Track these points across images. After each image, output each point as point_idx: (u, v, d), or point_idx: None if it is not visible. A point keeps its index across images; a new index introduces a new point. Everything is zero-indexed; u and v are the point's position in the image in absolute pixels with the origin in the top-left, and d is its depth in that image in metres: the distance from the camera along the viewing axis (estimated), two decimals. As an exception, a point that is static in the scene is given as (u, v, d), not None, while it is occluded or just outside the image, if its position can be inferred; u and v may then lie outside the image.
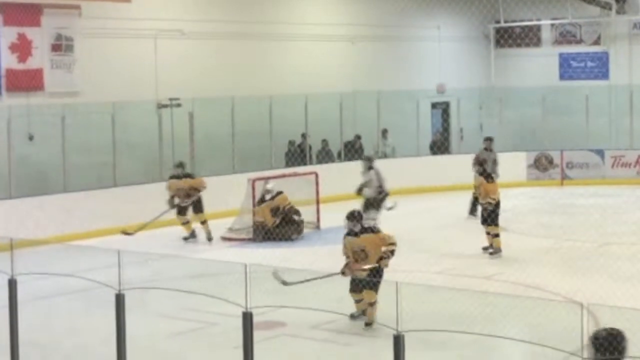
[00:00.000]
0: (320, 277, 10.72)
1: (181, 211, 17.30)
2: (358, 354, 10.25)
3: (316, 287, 11.91)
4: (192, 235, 17.30)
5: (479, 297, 10.98)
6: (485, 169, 15.73)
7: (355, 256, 11.17)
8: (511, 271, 13.95)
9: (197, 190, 17.25)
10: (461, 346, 9.86)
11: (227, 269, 12.19)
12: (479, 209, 15.98)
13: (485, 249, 15.18)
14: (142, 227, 16.92)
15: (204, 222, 17.21)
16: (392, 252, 11.07)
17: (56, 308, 12.43)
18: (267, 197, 17.47)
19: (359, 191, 17.02)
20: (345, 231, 11.43)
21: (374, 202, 16.81)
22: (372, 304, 10.73)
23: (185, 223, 17.33)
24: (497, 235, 15.07)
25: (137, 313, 11.19)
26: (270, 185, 17.68)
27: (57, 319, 11.97)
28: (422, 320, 10.33)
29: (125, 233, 16.93)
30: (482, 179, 15.42)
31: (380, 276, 10.89)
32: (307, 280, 10.83)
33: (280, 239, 16.99)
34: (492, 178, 15.52)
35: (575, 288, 12.48)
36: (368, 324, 10.77)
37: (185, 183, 17.28)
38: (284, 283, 10.96)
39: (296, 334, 10.73)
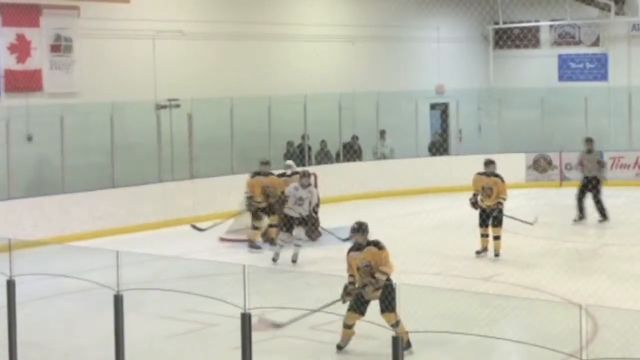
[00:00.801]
0: (317, 310, 9.96)
1: (257, 213, 16.25)
2: (356, 355, 10.24)
3: (315, 289, 11.91)
4: (255, 245, 16.26)
5: (477, 298, 10.99)
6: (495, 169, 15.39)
7: (360, 273, 10.02)
8: (510, 272, 13.95)
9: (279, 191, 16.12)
10: (460, 347, 9.85)
11: (226, 270, 12.20)
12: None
13: (479, 252, 15.04)
14: (214, 225, 16.75)
15: (272, 226, 16.25)
16: (381, 280, 9.84)
17: (54, 309, 12.42)
18: (288, 172, 17.29)
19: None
20: (348, 245, 10.52)
21: None
22: (396, 324, 9.54)
23: (257, 228, 16.28)
24: (499, 238, 14.98)
25: (136, 314, 11.20)
26: (291, 162, 17.70)
27: (55, 320, 11.96)
28: (420, 322, 10.33)
29: (196, 228, 16.53)
30: (497, 179, 15.18)
31: (393, 296, 9.71)
32: (303, 317, 10.17)
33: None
34: (502, 179, 15.27)
35: (574, 289, 12.48)
36: (406, 347, 9.34)
37: (271, 181, 16.29)
38: (277, 326, 10.57)
39: (294, 335, 10.72)
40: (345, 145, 23.48)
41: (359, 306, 9.87)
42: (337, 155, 23.48)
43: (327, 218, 17.77)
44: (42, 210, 17.17)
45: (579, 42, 27.54)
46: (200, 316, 11.50)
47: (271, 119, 21.64)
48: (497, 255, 14.91)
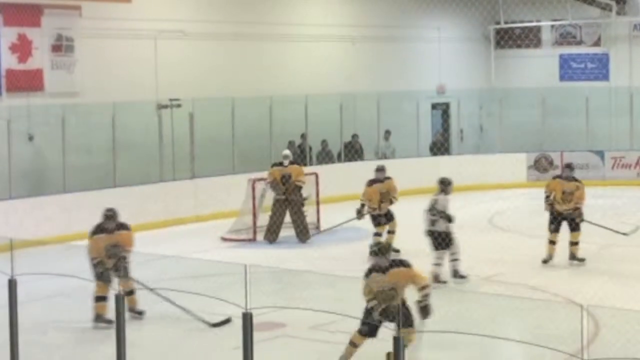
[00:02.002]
0: (336, 226, 9.56)
1: (377, 219, 15.79)
2: (358, 355, 10.24)
3: (315, 288, 11.93)
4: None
5: (479, 298, 10.99)
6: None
7: (382, 297, 9.23)
8: (511, 272, 13.94)
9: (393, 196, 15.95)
10: (461, 347, 9.85)
11: (227, 269, 12.20)
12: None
13: (546, 261, 14.55)
14: (334, 227, 16.77)
15: (390, 232, 15.76)
16: (427, 296, 9.20)
17: (56, 308, 12.42)
18: (285, 162, 17.37)
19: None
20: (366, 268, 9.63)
21: None
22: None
23: (378, 234, 15.72)
24: (578, 243, 14.59)
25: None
26: (288, 152, 17.78)
27: (56, 319, 11.96)
28: (423, 322, 10.33)
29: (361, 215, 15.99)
30: (579, 183, 14.80)
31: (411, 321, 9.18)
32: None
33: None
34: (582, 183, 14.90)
35: (575, 289, 12.49)
36: None
37: (387, 187, 15.97)
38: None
39: (296, 335, 10.73)
40: (346, 145, 23.48)
41: (371, 331, 9.30)
42: (339, 155, 23.48)
43: (329, 218, 17.81)
44: (43, 210, 17.17)
45: (580, 42, 27.53)
46: (202, 316, 11.50)
47: (272, 119, 21.66)
48: (573, 259, 14.51)
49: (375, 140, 24.18)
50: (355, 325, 9.93)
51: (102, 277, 11.28)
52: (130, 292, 11.38)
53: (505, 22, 27.55)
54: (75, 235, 16.69)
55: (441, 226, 13.43)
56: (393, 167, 23.05)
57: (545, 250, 14.60)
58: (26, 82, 18.46)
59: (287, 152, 17.79)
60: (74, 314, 12.11)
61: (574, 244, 14.59)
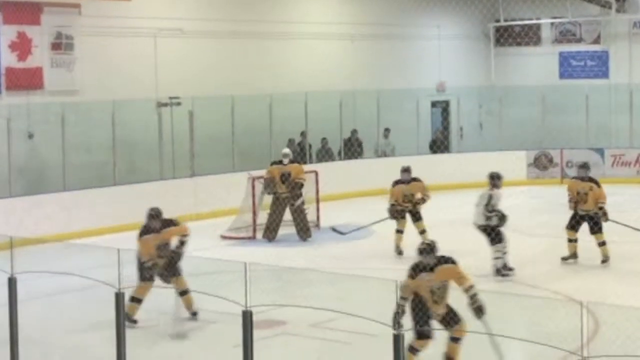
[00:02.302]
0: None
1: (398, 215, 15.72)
2: (358, 353, 10.24)
3: (316, 286, 11.93)
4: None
5: (479, 296, 10.96)
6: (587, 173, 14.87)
7: (433, 297, 9.13)
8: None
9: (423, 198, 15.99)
10: (461, 345, 9.84)
11: (227, 267, 12.20)
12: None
13: (565, 258, 14.50)
14: (357, 229, 16.68)
15: (422, 232, 15.55)
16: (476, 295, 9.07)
17: (56, 306, 12.43)
18: (285, 160, 17.38)
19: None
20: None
21: None
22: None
23: (400, 231, 15.70)
24: (604, 243, 14.49)
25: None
26: (288, 150, 17.72)
27: (56, 318, 11.97)
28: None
29: (336, 231, 16.60)
30: (593, 184, 14.65)
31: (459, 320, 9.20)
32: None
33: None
34: (599, 183, 14.75)
35: (575, 287, 12.49)
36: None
37: (411, 188, 15.96)
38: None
39: (296, 333, 10.73)
40: (346, 142, 23.48)
41: (428, 333, 9.06)
42: (339, 153, 23.48)
43: (329, 215, 17.81)
44: (43, 208, 17.17)
45: (580, 40, 27.53)
46: (201, 314, 11.51)
47: (272, 116, 21.65)
48: (604, 261, 14.39)
49: (375, 138, 24.18)
50: (355, 322, 9.93)
51: (148, 279, 11.19)
52: (185, 292, 11.28)
53: (505, 20, 27.55)
54: (74, 234, 16.72)
55: (494, 221, 13.64)
56: (393, 165, 23.07)
57: (566, 248, 14.63)
58: (26, 80, 18.45)
59: (286, 150, 17.79)
60: (74, 312, 12.12)
61: (600, 244, 14.46)
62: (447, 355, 9.23)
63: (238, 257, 14.51)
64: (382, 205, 17.11)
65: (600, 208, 14.48)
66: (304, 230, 17.17)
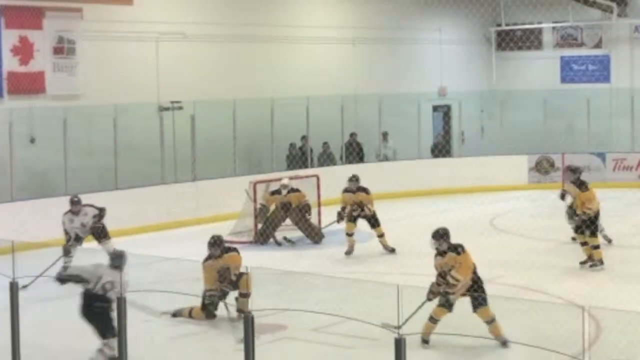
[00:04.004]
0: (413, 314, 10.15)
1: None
2: (359, 357, 10.25)
3: (317, 290, 11.92)
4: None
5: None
6: (579, 177, 14.93)
7: (446, 278, 10.31)
8: (512, 274, 13.94)
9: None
10: (462, 349, 9.86)
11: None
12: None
13: (583, 263, 14.37)
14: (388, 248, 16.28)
15: (381, 236, 16.13)
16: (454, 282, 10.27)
17: (57, 310, 12.42)
18: (284, 191, 17.39)
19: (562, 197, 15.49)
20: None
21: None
22: (491, 321, 10.12)
23: (349, 234, 16.16)
24: (597, 247, 14.36)
25: (139, 315, 11.22)
26: (287, 181, 17.66)
27: (58, 322, 11.96)
28: (423, 324, 10.33)
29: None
30: (575, 187, 14.76)
31: (483, 290, 10.26)
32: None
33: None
34: (586, 187, 14.74)
35: (576, 291, 12.49)
36: (503, 343, 10.02)
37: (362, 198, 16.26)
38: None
39: (298, 337, 10.73)
40: (347, 147, 23.48)
41: (446, 303, 10.25)
42: (340, 157, 23.48)
43: (331, 220, 17.78)
44: (45, 212, 17.14)
45: (581, 44, 27.54)
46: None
47: (273, 121, 21.66)
48: (584, 264, 14.35)
49: (377, 143, 24.18)
50: (357, 327, 9.94)
51: (208, 312, 11.52)
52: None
53: (507, 24, 27.56)
54: (76, 238, 16.70)
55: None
56: (394, 169, 23.20)
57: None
58: (28, 84, 18.47)
59: (285, 181, 17.60)
60: (75, 317, 12.11)
61: (593, 247, 14.35)
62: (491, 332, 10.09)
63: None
64: (383, 208, 17.18)
65: (584, 212, 14.43)
66: (312, 234, 17.22)
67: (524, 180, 24.05)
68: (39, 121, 18.45)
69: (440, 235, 10.49)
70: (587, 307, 6.77)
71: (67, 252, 14.18)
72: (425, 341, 10.15)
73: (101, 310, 9.56)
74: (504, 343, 10.00)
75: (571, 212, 15.14)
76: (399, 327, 9.56)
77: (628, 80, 26.18)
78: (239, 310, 11.05)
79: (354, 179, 16.44)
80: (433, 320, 10.21)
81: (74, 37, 19.15)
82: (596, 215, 14.48)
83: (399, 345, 6.63)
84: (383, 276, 13.08)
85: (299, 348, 10.55)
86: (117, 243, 16.15)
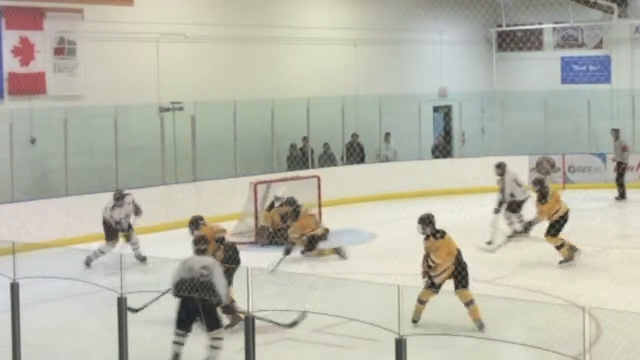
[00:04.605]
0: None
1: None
2: (360, 358, 10.25)
3: (317, 291, 11.92)
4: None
5: (480, 301, 10.98)
6: (541, 189, 15.11)
7: (429, 261, 11.24)
8: (512, 275, 13.94)
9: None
10: (463, 350, 9.86)
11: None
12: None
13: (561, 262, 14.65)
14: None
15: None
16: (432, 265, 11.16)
17: (58, 311, 12.43)
18: (277, 204, 17.43)
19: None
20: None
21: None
22: (470, 303, 10.83)
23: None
24: (560, 246, 14.59)
25: (139, 316, 11.22)
26: (281, 193, 17.60)
27: (59, 322, 11.97)
28: (424, 324, 10.35)
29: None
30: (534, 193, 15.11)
31: (465, 275, 10.98)
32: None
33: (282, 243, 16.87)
34: (545, 199, 15.00)
35: (576, 292, 12.49)
36: (480, 327, 10.71)
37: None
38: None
39: (298, 338, 10.73)
40: (348, 147, 23.48)
41: (432, 285, 11.08)
42: (341, 157, 23.49)
43: (331, 221, 17.79)
44: (45, 213, 17.18)
45: (582, 45, 27.53)
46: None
47: (274, 121, 21.66)
48: (565, 262, 14.57)
49: (377, 143, 24.19)
50: (358, 327, 9.93)
51: None
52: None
53: (507, 25, 27.56)
54: (77, 239, 16.73)
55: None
56: (395, 170, 23.20)
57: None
58: (28, 85, 18.47)
59: (278, 194, 17.68)
60: (77, 317, 12.12)
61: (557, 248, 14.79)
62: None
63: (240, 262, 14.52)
64: (384, 209, 17.20)
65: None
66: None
67: (525, 181, 24.00)
68: (39, 122, 18.45)
69: (423, 219, 11.33)
70: (588, 307, 6.76)
71: (113, 244, 15.40)
72: (414, 321, 10.91)
73: (204, 303, 9.51)
74: (481, 327, 10.63)
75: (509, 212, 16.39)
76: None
77: (629, 80, 26.18)
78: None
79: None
80: (420, 301, 11.01)
81: (74, 37, 19.16)
82: (559, 220, 14.75)
83: (400, 346, 6.63)
84: (383, 277, 13.07)
85: (299, 349, 10.55)
86: (118, 244, 16.20)
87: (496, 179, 16.88)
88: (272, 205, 17.53)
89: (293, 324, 10.50)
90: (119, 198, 15.73)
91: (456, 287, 10.94)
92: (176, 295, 9.70)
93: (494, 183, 17.20)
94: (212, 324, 9.57)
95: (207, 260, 9.99)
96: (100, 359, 10.20)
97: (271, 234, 17.24)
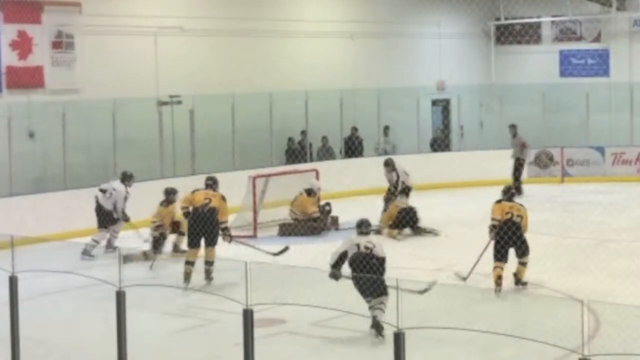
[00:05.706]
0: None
1: None
2: (359, 351, 10.26)
3: (316, 284, 11.91)
4: None
5: (479, 294, 11.00)
6: (507, 192, 13.83)
7: None
8: (511, 268, 13.93)
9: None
10: (462, 343, 9.86)
11: (228, 266, 12.20)
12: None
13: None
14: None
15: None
16: None
17: (57, 305, 12.43)
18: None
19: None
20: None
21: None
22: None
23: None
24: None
25: (137, 310, 11.22)
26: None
27: (57, 316, 11.98)
28: (422, 317, 10.34)
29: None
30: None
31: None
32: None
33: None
34: (499, 201, 13.65)
35: (575, 285, 12.49)
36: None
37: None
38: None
39: (297, 331, 10.74)
40: (346, 141, 23.48)
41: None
42: (340, 151, 23.49)
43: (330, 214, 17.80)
44: (44, 206, 17.16)
45: (580, 38, 27.53)
46: (202, 312, 11.52)
47: (272, 115, 21.66)
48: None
49: (376, 137, 24.18)
50: (356, 320, 9.94)
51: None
52: None
53: (506, 18, 27.56)
54: (75, 232, 16.72)
55: None
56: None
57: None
58: (26, 78, 18.46)
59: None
60: (76, 311, 12.13)
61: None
62: None
63: (238, 255, 14.52)
64: (380, 204, 17.18)
65: None
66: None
67: (523, 174, 24.03)
68: (37, 116, 18.44)
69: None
70: (587, 301, 6.76)
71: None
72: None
73: (377, 270, 10.50)
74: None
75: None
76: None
77: (627, 74, 26.17)
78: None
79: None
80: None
81: (72, 31, 19.14)
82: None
83: (398, 340, 6.63)
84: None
85: (298, 342, 10.55)
86: (118, 238, 16.20)
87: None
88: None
89: (424, 291, 10.46)
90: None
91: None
92: None
93: (493, 176, 17.20)
94: None
95: None
96: (99, 352, 10.20)
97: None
